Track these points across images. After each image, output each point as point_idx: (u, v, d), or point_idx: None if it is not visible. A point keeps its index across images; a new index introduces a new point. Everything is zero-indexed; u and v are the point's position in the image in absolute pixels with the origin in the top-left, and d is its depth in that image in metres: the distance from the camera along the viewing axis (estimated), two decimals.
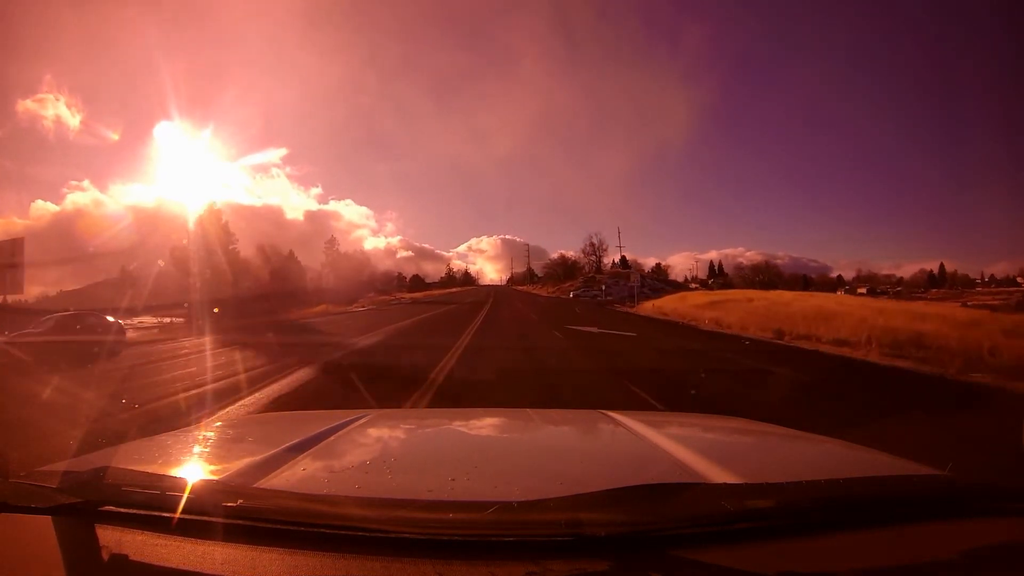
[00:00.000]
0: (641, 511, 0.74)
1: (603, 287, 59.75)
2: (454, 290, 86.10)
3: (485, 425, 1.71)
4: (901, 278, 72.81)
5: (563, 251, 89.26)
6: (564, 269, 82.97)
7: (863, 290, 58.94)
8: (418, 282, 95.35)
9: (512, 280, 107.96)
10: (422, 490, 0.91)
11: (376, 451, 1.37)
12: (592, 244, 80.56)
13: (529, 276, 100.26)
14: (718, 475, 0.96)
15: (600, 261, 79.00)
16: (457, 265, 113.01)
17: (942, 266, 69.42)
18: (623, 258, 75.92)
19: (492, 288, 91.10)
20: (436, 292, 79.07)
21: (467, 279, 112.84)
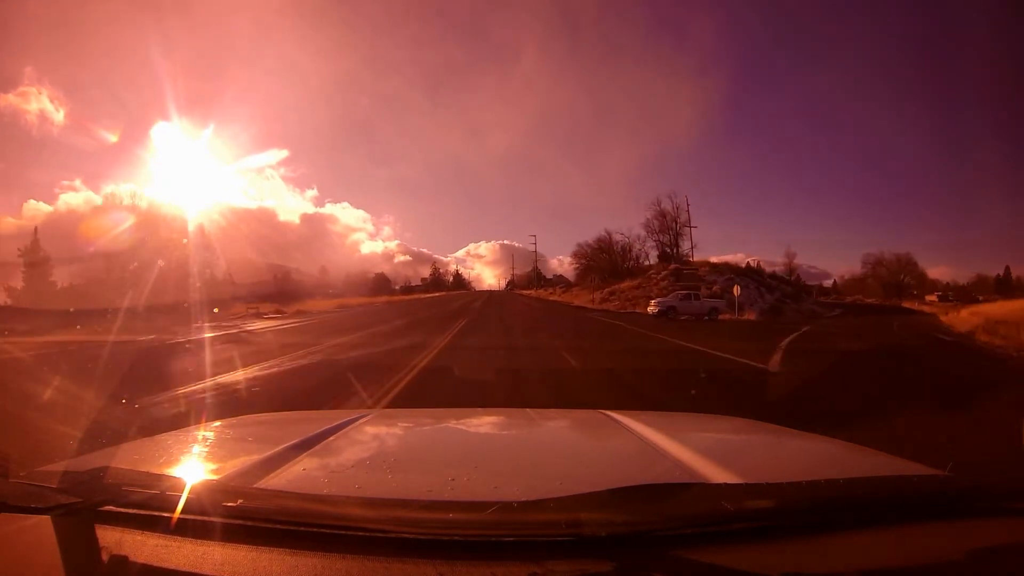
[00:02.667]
0: (642, 511, 0.74)
1: (737, 291, 27.50)
2: (428, 296, 65.28)
3: (485, 425, 1.71)
4: (956, 283, 65.49)
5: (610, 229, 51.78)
6: (609, 259, 47.34)
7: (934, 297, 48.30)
8: (383, 285, 78.85)
9: (513, 283, 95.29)
10: (422, 490, 0.91)
11: (376, 451, 1.37)
12: (663, 214, 45.07)
13: (537, 278, 77.51)
14: (718, 475, 0.97)
15: (678, 242, 44.87)
16: (449, 268, 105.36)
17: (1007, 269, 61.17)
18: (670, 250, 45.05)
19: (487, 294, 72.61)
20: (385, 300, 52.82)
21: (458, 282, 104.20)
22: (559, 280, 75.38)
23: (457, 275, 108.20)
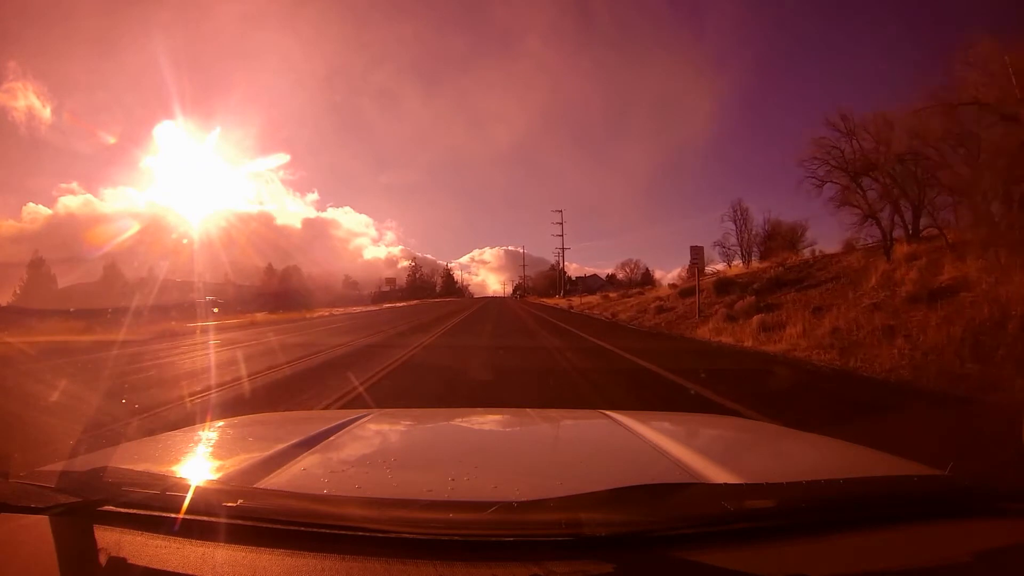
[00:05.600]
0: (641, 511, 0.74)
1: None
2: (381, 308, 43.39)
3: (485, 424, 1.72)
4: None
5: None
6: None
7: None
8: (349, 292, 63.35)
9: (523, 288, 79.72)
10: (422, 490, 0.91)
11: (376, 450, 1.37)
12: None
13: (560, 277, 57.85)
14: (718, 475, 0.97)
15: None
16: (440, 270, 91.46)
17: None
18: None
19: (483, 302, 55.68)
20: (302, 315, 29.95)
21: (450, 287, 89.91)
22: (594, 281, 56.22)
23: (448, 278, 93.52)
